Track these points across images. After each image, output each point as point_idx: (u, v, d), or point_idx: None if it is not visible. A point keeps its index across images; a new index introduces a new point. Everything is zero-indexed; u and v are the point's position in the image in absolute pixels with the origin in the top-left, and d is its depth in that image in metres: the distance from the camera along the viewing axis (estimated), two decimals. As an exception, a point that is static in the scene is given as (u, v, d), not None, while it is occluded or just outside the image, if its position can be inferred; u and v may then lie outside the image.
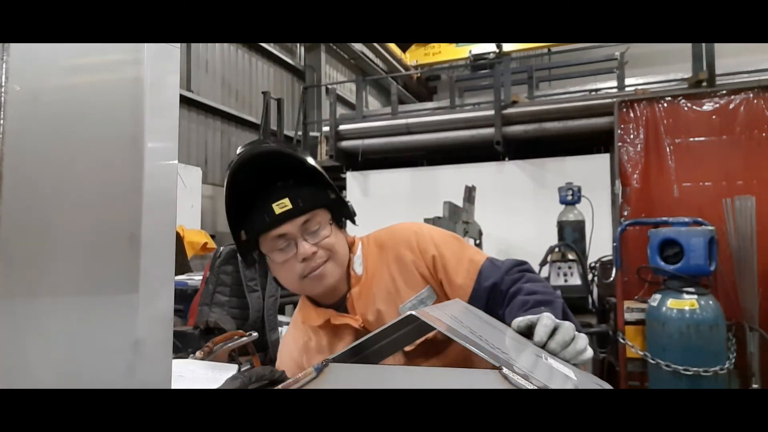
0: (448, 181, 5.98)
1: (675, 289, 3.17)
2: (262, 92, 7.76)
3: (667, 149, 4.17)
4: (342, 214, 1.15)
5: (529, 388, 0.56)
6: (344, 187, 7.08)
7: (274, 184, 1.08)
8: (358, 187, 6.83)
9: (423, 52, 11.43)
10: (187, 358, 1.75)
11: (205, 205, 6.96)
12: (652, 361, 3.14)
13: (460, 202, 4.56)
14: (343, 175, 6.89)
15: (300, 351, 1.21)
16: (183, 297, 3.56)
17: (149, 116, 0.57)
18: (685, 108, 4.21)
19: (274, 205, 1.04)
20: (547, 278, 3.93)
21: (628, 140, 4.30)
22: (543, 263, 4.00)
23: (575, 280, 3.88)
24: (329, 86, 7.73)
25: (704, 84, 4.91)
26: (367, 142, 6.75)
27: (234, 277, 2.96)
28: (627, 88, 6.11)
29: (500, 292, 1.08)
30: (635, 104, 4.32)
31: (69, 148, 0.51)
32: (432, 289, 1.14)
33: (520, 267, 1.13)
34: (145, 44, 0.57)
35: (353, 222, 1.18)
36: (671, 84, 6.19)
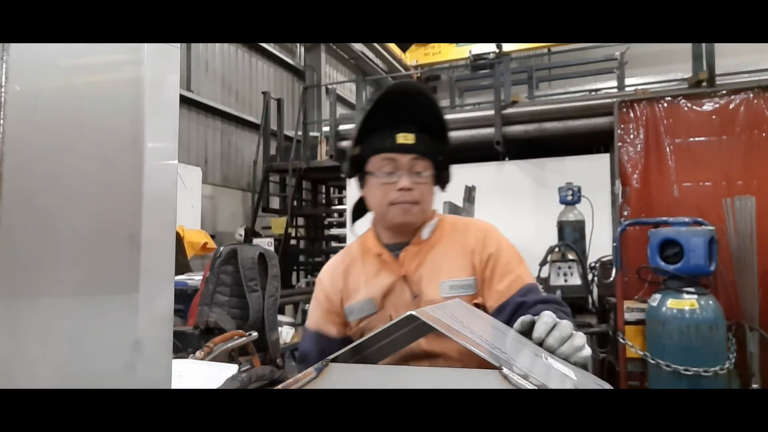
0: (448, 181, 5.94)
1: (675, 289, 3.17)
2: (262, 92, 7.76)
3: (667, 149, 4.17)
4: (442, 176, 1.26)
5: (529, 388, 0.56)
6: (344, 187, 7.07)
7: (404, 118, 1.20)
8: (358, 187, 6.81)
9: (423, 52, 11.41)
10: (187, 358, 1.75)
11: (205, 205, 6.95)
12: (652, 361, 3.14)
13: (460, 202, 4.56)
14: (343, 175, 6.87)
15: (345, 269, 1.29)
16: (183, 297, 3.56)
17: (149, 116, 0.57)
18: (685, 108, 4.20)
19: (399, 134, 1.18)
20: (547, 278, 3.92)
21: (628, 140, 4.30)
22: (543, 263, 4.00)
23: (575, 280, 3.88)
24: (329, 86, 7.72)
25: (704, 84, 4.90)
26: (367, 142, 6.72)
27: (234, 277, 2.96)
28: (627, 88, 6.10)
29: (525, 312, 1.10)
30: (635, 104, 4.32)
31: (69, 148, 0.51)
32: (476, 281, 1.19)
33: (558, 305, 1.14)
34: (145, 44, 0.57)
35: (443, 188, 1.29)
36: (671, 84, 6.18)
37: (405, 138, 1.18)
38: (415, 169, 1.19)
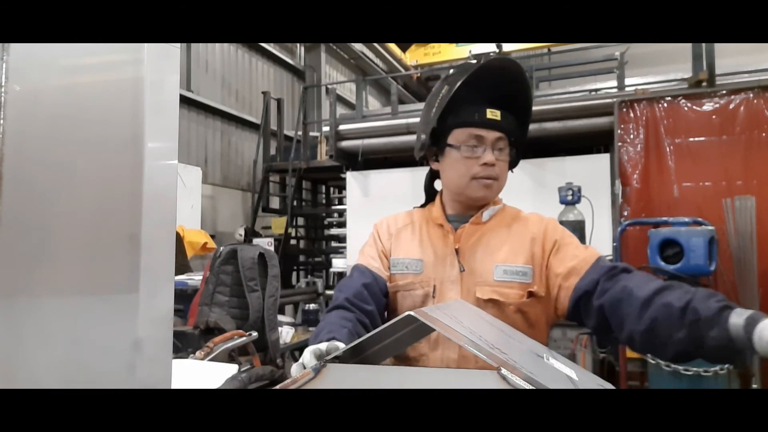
0: (448, 181, 5.93)
1: (675, 289, 3.17)
2: (262, 92, 7.75)
3: (667, 149, 4.17)
4: (515, 159, 1.29)
5: (528, 388, 0.56)
6: (344, 187, 7.06)
7: (494, 95, 1.22)
8: (358, 187, 6.81)
9: (423, 52, 11.41)
10: (187, 358, 1.75)
11: (205, 205, 6.95)
12: (652, 361, 3.14)
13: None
14: (343, 175, 6.87)
15: (402, 226, 1.32)
16: (183, 297, 3.56)
17: (149, 116, 0.57)
18: (685, 108, 4.20)
19: (488, 110, 1.20)
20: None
21: (628, 140, 4.29)
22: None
23: (575, 280, 3.87)
24: (329, 86, 7.71)
25: (704, 84, 4.90)
26: (367, 142, 6.72)
27: (234, 277, 2.96)
28: (627, 88, 6.08)
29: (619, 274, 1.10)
30: (635, 104, 4.32)
31: (69, 148, 0.51)
32: (532, 270, 1.18)
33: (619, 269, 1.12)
34: (145, 44, 0.57)
35: (512, 170, 1.31)
36: (671, 84, 6.17)
37: (493, 114, 1.20)
38: (498, 146, 1.21)
